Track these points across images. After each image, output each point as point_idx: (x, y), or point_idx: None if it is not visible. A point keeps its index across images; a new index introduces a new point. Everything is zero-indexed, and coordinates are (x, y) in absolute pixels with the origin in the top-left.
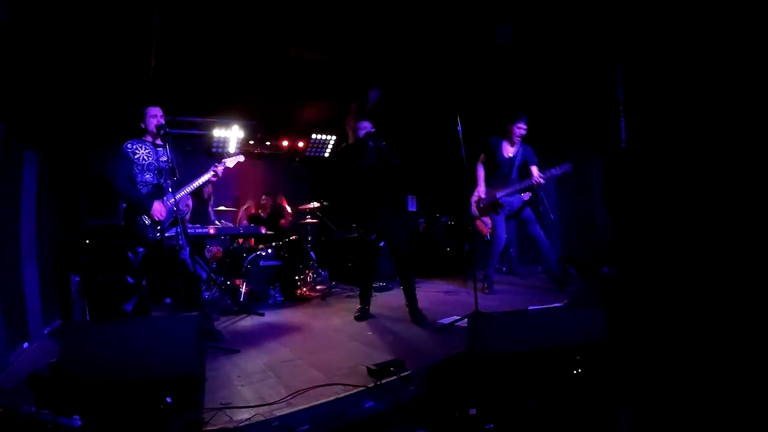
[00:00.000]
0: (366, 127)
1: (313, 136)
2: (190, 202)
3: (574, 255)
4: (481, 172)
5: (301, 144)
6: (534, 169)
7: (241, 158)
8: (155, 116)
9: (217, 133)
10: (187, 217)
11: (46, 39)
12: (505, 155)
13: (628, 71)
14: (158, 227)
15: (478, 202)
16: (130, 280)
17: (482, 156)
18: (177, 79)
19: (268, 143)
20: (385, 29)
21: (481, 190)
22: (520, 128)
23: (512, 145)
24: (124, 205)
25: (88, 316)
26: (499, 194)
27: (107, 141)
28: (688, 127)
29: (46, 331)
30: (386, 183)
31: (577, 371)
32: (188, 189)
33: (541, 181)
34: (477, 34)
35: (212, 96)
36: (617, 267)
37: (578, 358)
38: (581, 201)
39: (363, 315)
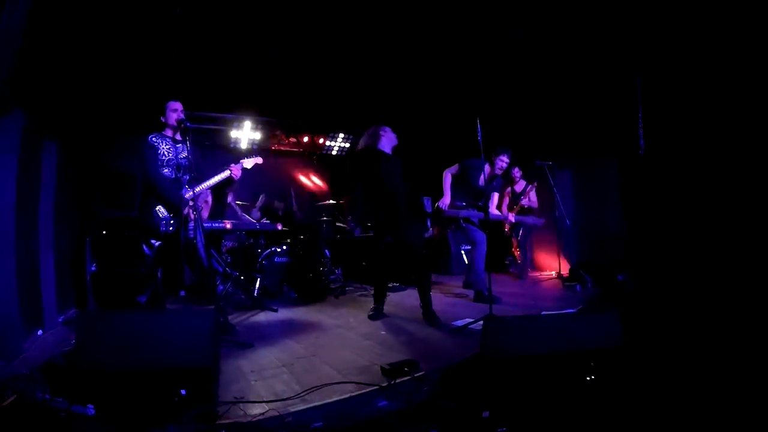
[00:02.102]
0: (391, 138)
1: (332, 133)
2: (209, 199)
3: (589, 261)
4: (448, 182)
5: (321, 141)
6: (494, 198)
7: (260, 160)
8: (176, 110)
9: (236, 128)
10: (206, 214)
11: (67, 32)
12: (480, 183)
13: (648, 77)
14: (171, 221)
15: (438, 209)
16: (144, 271)
17: (455, 168)
18: (197, 74)
19: (286, 140)
20: (407, 30)
21: (445, 202)
22: (503, 161)
23: (491, 177)
24: (139, 197)
25: (102, 306)
26: (463, 213)
27: (125, 134)
28: (706, 135)
29: (60, 319)
30: (404, 189)
31: (591, 378)
32: (204, 186)
33: (495, 215)
34: (497, 37)
35: (232, 92)
36: (632, 274)
37: (592, 364)
38: (597, 207)
39: (377, 314)
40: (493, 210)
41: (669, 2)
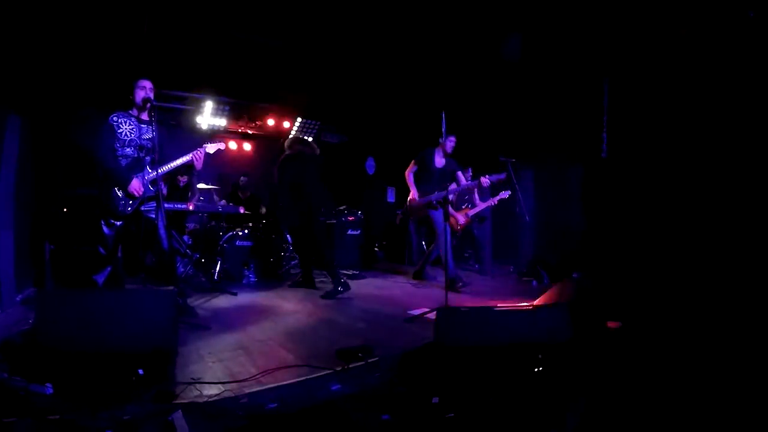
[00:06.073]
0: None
1: (299, 119)
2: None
3: (545, 257)
4: (411, 178)
5: (286, 124)
6: (459, 175)
7: (222, 146)
8: (144, 88)
9: (202, 109)
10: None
11: (33, 4)
12: (437, 165)
13: (615, 83)
14: (130, 201)
15: (410, 202)
16: (103, 251)
17: (412, 165)
18: (164, 53)
19: (253, 123)
20: (376, 23)
21: (414, 193)
22: (451, 141)
23: (443, 156)
24: (101, 175)
25: (61, 285)
26: (433, 197)
27: (92, 110)
28: (669, 140)
29: (18, 299)
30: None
31: (538, 369)
32: (165, 168)
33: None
34: (466, 37)
35: (199, 72)
36: (587, 272)
37: (540, 356)
38: (556, 206)
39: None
40: (464, 182)
41: (638, 10)
